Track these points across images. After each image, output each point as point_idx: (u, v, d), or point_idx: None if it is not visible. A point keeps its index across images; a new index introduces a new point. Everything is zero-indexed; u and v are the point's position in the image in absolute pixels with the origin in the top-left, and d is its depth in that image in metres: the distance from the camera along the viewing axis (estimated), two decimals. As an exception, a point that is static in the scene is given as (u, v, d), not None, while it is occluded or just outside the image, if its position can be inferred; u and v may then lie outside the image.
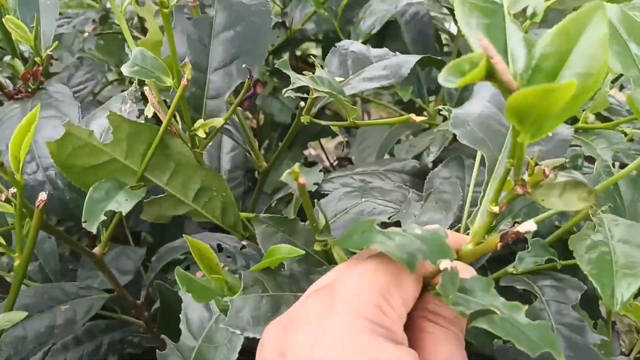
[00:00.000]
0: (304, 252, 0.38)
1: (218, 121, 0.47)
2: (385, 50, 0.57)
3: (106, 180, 0.47)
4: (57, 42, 0.67)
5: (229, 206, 0.50)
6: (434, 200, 0.51)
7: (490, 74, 0.25)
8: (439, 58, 0.69)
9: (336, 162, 1.20)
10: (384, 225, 0.55)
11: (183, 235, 0.49)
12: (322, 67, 0.50)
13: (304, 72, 0.44)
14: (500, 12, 0.29)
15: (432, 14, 0.94)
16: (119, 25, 1.09)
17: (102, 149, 0.47)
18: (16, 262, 0.49)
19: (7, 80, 0.84)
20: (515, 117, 0.25)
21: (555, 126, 0.26)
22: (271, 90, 0.97)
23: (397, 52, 0.59)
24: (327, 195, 0.61)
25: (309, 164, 1.03)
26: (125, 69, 0.43)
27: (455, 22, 0.89)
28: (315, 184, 0.61)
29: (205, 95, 0.49)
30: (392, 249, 0.30)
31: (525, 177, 0.33)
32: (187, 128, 0.48)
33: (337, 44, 0.57)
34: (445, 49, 1.12)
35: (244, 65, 0.47)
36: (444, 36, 1.09)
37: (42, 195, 0.47)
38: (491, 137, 0.42)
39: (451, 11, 0.87)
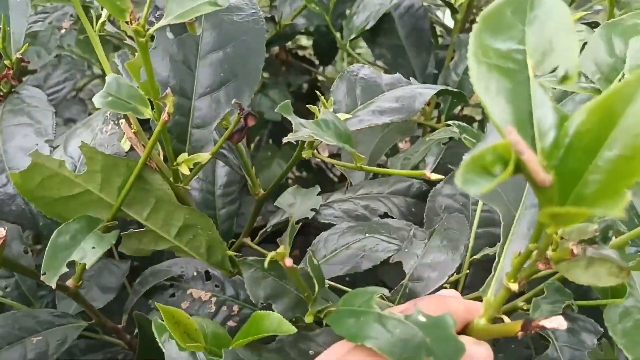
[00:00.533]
0: (295, 330, 0.33)
1: (204, 157, 0.42)
2: (397, 77, 0.53)
3: (75, 220, 0.42)
4: (27, 45, 0.61)
5: (215, 244, 0.46)
6: (439, 238, 0.48)
7: (519, 169, 0.21)
8: (457, 90, 0.64)
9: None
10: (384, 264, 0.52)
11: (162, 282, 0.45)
12: (321, 93, 0.46)
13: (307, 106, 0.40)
14: (524, 73, 0.24)
15: (425, 3, 0.89)
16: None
17: (74, 180, 0.42)
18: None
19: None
20: (548, 218, 0.21)
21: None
22: (260, 87, 0.92)
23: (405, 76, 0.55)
24: (326, 223, 0.58)
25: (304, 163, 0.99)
26: (97, 100, 0.38)
27: (452, 11, 0.84)
28: (312, 209, 0.57)
29: (190, 123, 0.44)
30: (390, 347, 0.26)
31: (549, 253, 0.29)
32: (169, 161, 0.43)
33: (345, 70, 0.53)
34: (440, 40, 1.07)
35: (233, 101, 0.42)
36: (439, 28, 1.04)
37: (1, 232, 0.43)
38: (506, 189, 0.38)
39: (446, 3, 0.82)
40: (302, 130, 0.39)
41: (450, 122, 0.58)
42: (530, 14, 0.23)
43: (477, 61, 0.23)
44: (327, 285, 0.49)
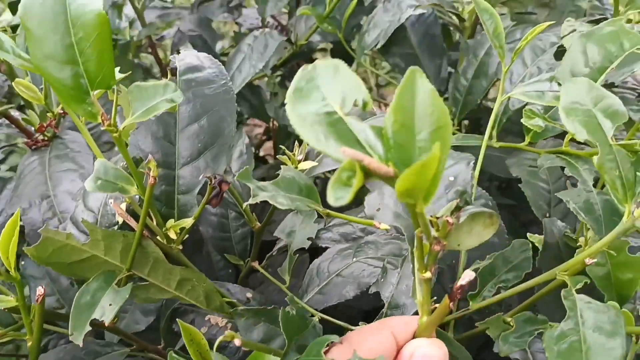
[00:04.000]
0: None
1: (187, 222, 0.46)
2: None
3: (94, 279, 0.47)
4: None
5: (211, 293, 0.50)
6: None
7: (369, 174, 0.25)
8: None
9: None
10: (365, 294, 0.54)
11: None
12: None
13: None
14: (336, 115, 0.28)
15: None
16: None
17: (81, 248, 0.47)
18: (29, 343, 0.51)
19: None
20: (407, 196, 0.26)
21: (437, 184, 0.26)
22: (283, 101, 0.94)
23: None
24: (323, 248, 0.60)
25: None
26: (88, 185, 0.42)
27: (460, 20, 0.82)
28: (309, 238, 0.59)
29: (176, 191, 0.47)
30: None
31: (434, 233, 0.32)
32: (159, 225, 0.47)
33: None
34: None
35: (200, 177, 0.46)
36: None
37: (40, 290, 0.49)
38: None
39: (454, 13, 0.80)
40: (260, 194, 0.42)
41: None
42: (317, 78, 0.28)
43: (302, 125, 0.27)
44: (318, 319, 0.52)
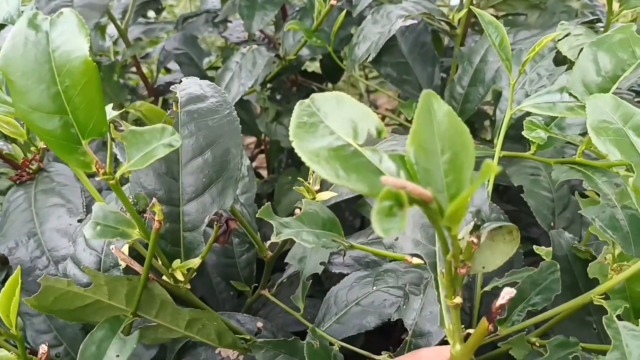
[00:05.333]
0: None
1: (195, 262, 0.43)
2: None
3: (99, 328, 0.44)
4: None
5: (223, 331, 0.47)
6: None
7: (412, 201, 0.24)
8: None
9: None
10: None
11: None
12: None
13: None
14: (351, 147, 0.27)
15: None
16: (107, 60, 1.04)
17: (84, 293, 0.44)
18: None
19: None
20: (449, 222, 0.25)
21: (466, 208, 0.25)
22: (274, 116, 0.91)
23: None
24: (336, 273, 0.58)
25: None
26: (87, 232, 0.39)
27: (451, 28, 0.80)
28: (321, 263, 0.56)
29: (181, 228, 0.44)
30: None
31: (460, 256, 0.30)
32: (165, 266, 0.44)
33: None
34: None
35: (206, 217, 0.42)
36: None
37: (43, 348, 0.46)
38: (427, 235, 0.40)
39: (444, 21, 0.78)
40: (284, 231, 0.39)
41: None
42: (320, 112, 0.27)
43: (317, 162, 0.25)
44: (338, 347, 0.50)
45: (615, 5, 0.68)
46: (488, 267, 0.33)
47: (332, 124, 0.27)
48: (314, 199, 0.47)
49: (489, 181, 0.49)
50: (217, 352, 0.57)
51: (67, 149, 0.35)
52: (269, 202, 0.40)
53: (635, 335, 0.35)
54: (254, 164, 1.28)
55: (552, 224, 0.65)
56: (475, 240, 0.30)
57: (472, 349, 0.33)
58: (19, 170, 0.67)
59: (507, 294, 0.30)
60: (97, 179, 0.36)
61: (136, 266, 0.42)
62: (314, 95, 0.27)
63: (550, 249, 0.52)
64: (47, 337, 0.61)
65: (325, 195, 0.47)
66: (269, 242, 0.38)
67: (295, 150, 0.25)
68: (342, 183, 0.25)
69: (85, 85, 0.34)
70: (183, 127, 0.44)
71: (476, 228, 0.34)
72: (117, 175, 0.36)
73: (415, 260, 0.42)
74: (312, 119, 0.27)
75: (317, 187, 0.48)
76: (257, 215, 0.40)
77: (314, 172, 0.49)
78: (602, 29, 0.70)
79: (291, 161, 1.01)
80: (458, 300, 0.32)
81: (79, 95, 0.34)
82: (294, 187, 0.49)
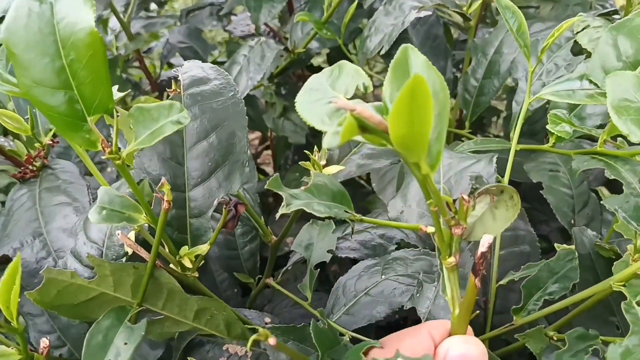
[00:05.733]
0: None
1: (203, 248, 0.42)
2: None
3: (105, 317, 0.42)
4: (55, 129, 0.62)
5: (232, 320, 0.45)
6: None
7: (363, 126, 0.26)
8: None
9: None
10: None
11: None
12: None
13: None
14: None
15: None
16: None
17: (88, 285, 0.42)
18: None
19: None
20: (406, 148, 0.25)
21: (441, 149, 0.26)
22: (281, 112, 0.90)
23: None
24: (343, 257, 0.56)
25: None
26: (92, 216, 0.38)
27: (465, 19, 0.79)
28: (329, 251, 0.55)
29: (187, 214, 0.43)
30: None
31: (451, 214, 0.31)
32: (172, 253, 0.42)
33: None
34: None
35: (215, 202, 0.41)
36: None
37: (44, 342, 0.44)
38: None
39: (458, 12, 0.77)
40: (294, 202, 0.38)
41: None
42: (323, 78, 0.33)
43: (308, 112, 0.30)
44: (349, 338, 0.48)
45: (634, -4, 0.67)
46: (491, 233, 0.33)
47: (332, 85, 0.32)
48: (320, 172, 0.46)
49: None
50: (224, 348, 0.56)
51: (71, 126, 0.33)
52: (277, 174, 0.39)
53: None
54: (258, 161, 1.26)
55: (572, 221, 0.63)
56: (466, 198, 0.31)
57: (467, 310, 0.34)
58: (22, 168, 0.65)
59: (487, 241, 0.31)
60: (103, 157, 0.34)
61: (143, 253, 0.41)
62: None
63: (572, 247, 0.51)
64: (51, 337, 0.60)
65: (332, 169, 0.46)
66: (278, 215, 0.36)
67: (297, 108, 0.30)
68: (325, 128, 0.28)
69: (90, 59, 0.32)
70: (187, 110, 0.43)
71: (472, 192, 0.36)
72: (124, 154, 0.35)
73: (430, 229, 0.40)
74: (318, 84, 0.32)
75: (324, 162, 0.47)
76: (265, 187, 0.38)
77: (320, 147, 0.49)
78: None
79: (297, 158, 1.00)
80: (452, 260, 0.33)
81: (84, 69, 0.32)
82: (299, 162, 0.48)
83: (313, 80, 0.33)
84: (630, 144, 0.46)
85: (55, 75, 0.32)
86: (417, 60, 0.27)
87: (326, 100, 0.31)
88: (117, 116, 0.36)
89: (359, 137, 0.27)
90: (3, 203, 1.36)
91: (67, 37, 0.32)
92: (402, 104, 0.23)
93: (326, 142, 0.26)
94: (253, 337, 0.32)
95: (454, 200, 0.32)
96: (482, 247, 0.31)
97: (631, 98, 0.35)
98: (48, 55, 0.32)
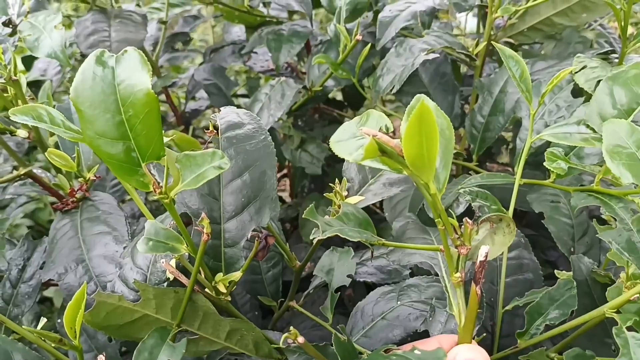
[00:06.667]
0: None
1: (236, 275, 0.47)
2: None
3: (149, 336, 0.47)
4: (98, 165, 0.68)
5: (260, 340, 0.50)
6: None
7: (382, 149, 0.31)
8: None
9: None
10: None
11: None
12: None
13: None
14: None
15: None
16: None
17: (133, 308, 0.47)
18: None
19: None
20: (414, 167, 0.31)
21: (447, 173, 0.34)
22: (299, 144, 0.95)
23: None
24: (359, 282, 0.61)
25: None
26: (140, 246, 0.43)
27: (471, 60, 0.84)
28: (349, 275, 0.60)
29: (222, 244, 0.48)
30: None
31: (457, 235, 0.37)
32: (208, 279, 0.47)
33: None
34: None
35: (248, 237, 0.46)
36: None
37: (101, 358, 0.49)
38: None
39: (464, 54, 0.82)
40: (329, 229, 0.43)
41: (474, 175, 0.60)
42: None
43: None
44: (366, 356, 0.53)
45: (631, 30, 0.72)
46: (491, 254, 0.38)
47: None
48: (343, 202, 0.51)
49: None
50: (251, 365, 0.61)
51: (128, 171, 0.39)
52: (312, 205, 0.44)
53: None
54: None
55: (572, 249, 0.67)
56: (469, 221, 0.37)
57: (471, 318, 0.39)
58: (64, 199, 0.71)
59: (484, 250, 0.36)
60: (150, 198, 0.40)
61: (183, 278, 0.46)
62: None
63: (571, 273, 0.55)
64: (88, 356, 0.65)
65: (354, 200, 0.51)
66: (315, 240, 0.42)
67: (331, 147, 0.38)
68: (353, 159, 0.37)
69: (146, 115, 0.38)
70: (223, 152, 0.48)
71: (473, 216, 0.41)
72: (172, 194, 0.40)
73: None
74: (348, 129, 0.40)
75: (346, 193, 0.52)
76: (303, 216, 0.43)
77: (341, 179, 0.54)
78: (616, 60, 0.73)
79: (314, 186, 1.05)
80: (457, 275, 0.38)
81: (141, 123, 0.38)
82: (324, 194, 0.53)
83: (346, 124, 0.40)
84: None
85: (115, 128, 0.38)
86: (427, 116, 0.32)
87: (355, 138, 0.38)
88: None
89: (376, 162, 0.34)
90: (29, 227, 1.41)
91: (127, 96, 0.38)
92: (412, 127, 0.29)
93: (353, 157, 0.34)
94: (285, 335, 0.36)
95: (460, 225, 0.38)
96: (480, 257, 0.36)
97: (624, 144, 0.40)
98: (110, 111, 0.38)
